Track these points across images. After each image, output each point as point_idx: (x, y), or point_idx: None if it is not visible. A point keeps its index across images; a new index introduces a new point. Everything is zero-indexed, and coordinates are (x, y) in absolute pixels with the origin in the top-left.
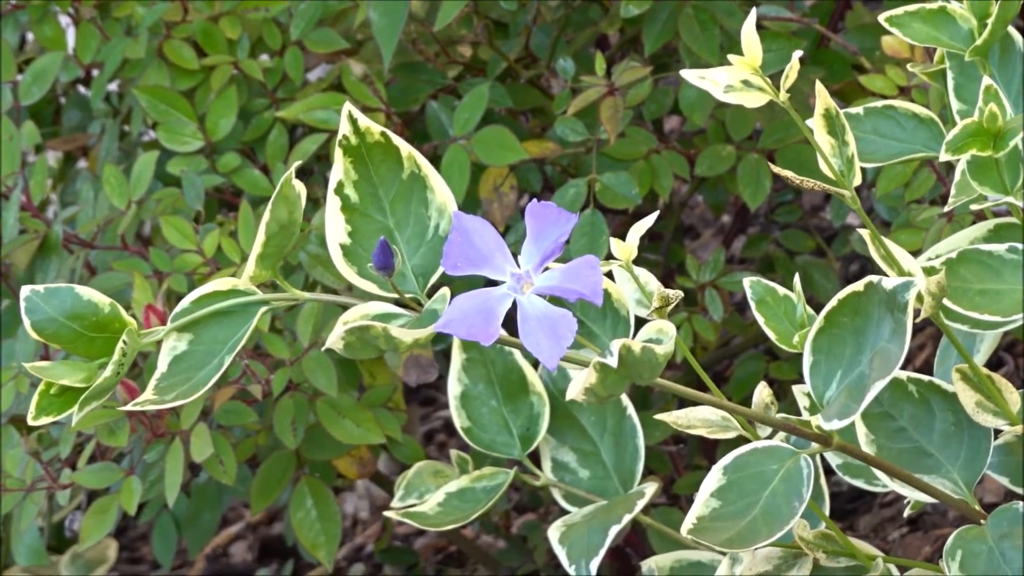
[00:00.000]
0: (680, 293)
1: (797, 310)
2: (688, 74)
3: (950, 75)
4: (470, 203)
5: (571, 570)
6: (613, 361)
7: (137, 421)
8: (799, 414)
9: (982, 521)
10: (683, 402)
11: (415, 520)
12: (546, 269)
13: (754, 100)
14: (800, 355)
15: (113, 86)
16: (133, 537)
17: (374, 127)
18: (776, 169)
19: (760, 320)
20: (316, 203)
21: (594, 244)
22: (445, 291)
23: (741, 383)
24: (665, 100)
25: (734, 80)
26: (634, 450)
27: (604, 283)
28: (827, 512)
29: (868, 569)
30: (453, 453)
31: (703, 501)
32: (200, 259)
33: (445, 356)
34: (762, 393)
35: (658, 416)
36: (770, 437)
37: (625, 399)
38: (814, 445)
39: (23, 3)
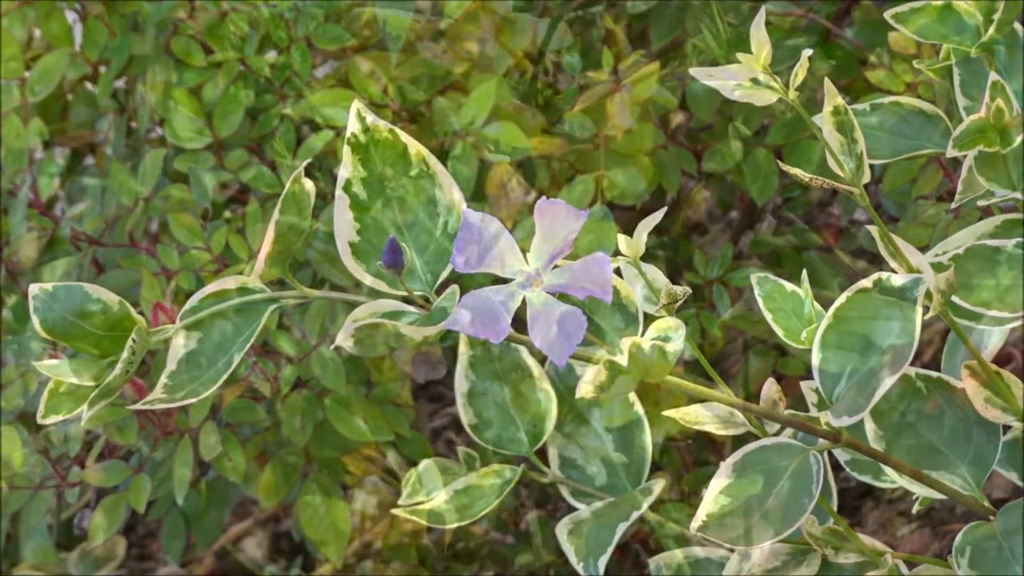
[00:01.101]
0: (688, 290)
1: (805, 306)
2: (697, 73)
3: (956, 71)
4: (477, 199)
5: (579, 567)
6: (623, 359)
7: (146, 419)
8: (807, 410)
9: (991, 517)
10: (691, 398)
11: (423, 517)
12: (555, 266)
13: (763, 98)
14: (808, 351)
15: (120, 83)
16: (142, 534)
17: (382, 124)
18: (784, 167)
19: (768, 316)
20: (324, 199)
21: (602, 240)
22: (454, 288)
23: (749, 379)
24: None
25: (743, 79)
26: (642, 446)
27: (613, 280)
28: (835, 508)
29: (876, 565)
30: (460, 450)
31: (712, 498)
32: (208, 256)
33: (453, 352)
34: (770, 389)
35: (666, 412)
36: (778, 433)
37: (632, 395)
38: (823, 441)
39: None
